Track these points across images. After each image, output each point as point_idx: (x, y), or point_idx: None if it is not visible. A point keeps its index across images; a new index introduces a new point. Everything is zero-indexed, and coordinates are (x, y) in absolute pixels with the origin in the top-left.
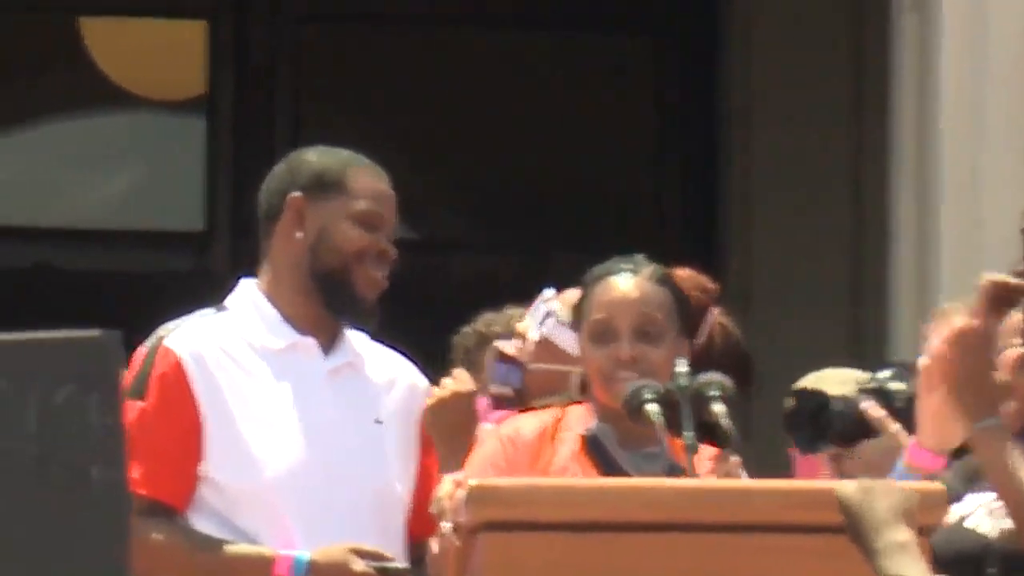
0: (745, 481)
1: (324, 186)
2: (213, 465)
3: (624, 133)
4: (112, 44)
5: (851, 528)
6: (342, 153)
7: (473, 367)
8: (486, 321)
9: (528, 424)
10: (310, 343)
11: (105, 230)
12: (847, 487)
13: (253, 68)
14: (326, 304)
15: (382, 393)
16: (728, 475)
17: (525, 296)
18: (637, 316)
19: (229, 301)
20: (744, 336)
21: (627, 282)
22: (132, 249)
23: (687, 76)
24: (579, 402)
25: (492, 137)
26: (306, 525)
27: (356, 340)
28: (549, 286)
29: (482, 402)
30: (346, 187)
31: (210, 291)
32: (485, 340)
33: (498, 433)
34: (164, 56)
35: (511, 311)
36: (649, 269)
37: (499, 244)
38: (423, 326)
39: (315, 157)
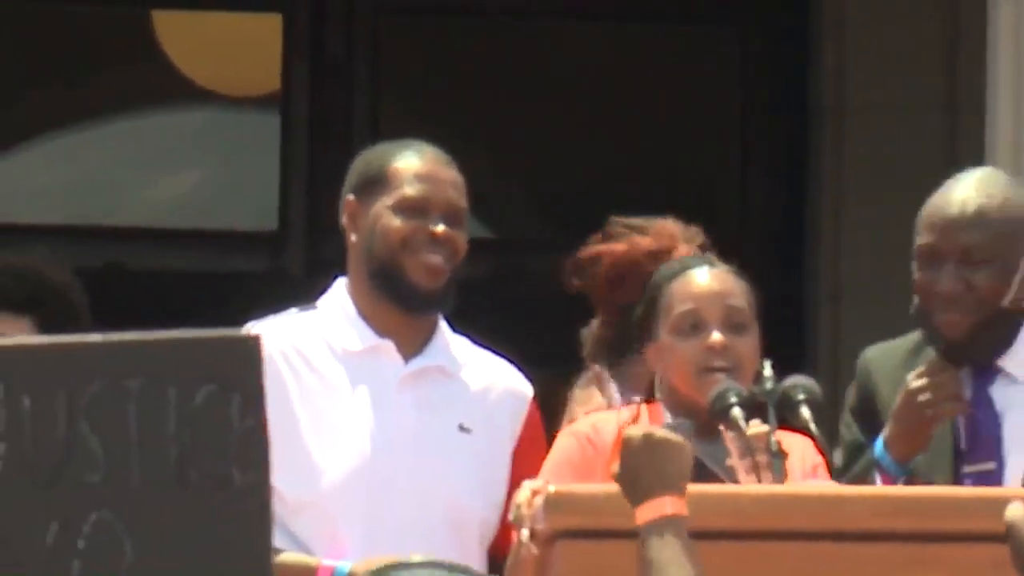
0: (833, 486)
1: (369, 183)
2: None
3: (710, 128)
4: (185, 38)
5: (1017, 554)
6: (395, 144)
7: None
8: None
9: (605, 421)
10: (388, 346)
11: (177, 229)
12: (1018, 510)
13: (329, 62)
14: (389, 299)
15: (473, 399)
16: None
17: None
18: (724, 307)
19: (322, 300)
20: (834, 338)
21: (709, 274)
22: (204, 249)
23: (776, 68)
24: (650, 401)
25: (574, 132)
26: (362, 536)
27: (454, 344)
28: None
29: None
30: (387, 178)
31: (284, 292)
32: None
33: (575, 431)
34: (238, 51)
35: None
36: (723, 265)
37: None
38: (503, 330)
39: (366, 154)
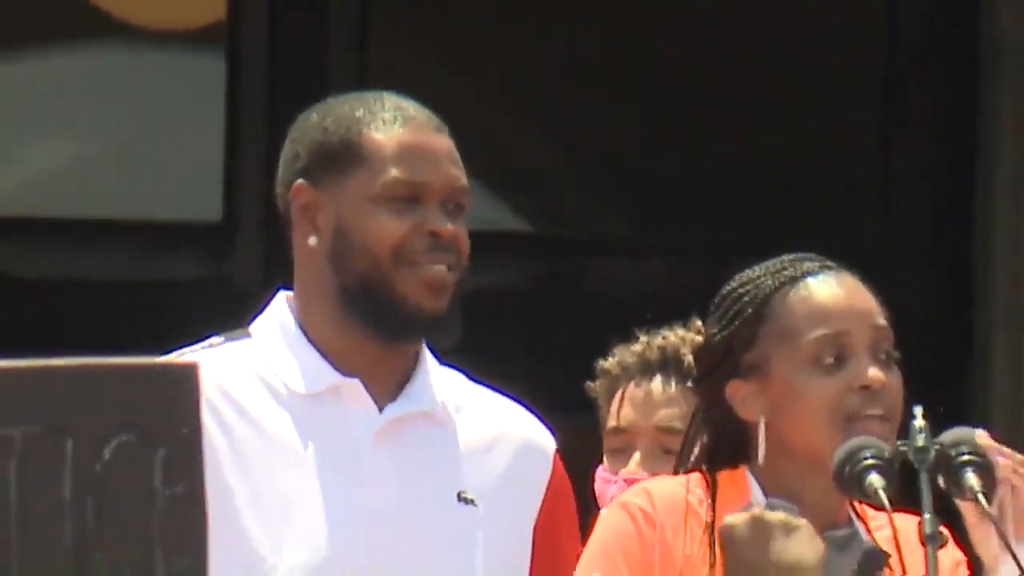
0: None
1: (331, 161)
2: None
3: (841, 90)
4: None
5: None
6: (358, 101)
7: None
8: (613, 354)
9: (668, 489)
10: (355, 386)
11: (87, 220)
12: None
13: None
14: (368, 328)
15: (476, 459)
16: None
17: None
18: (872, 329)
19: (256, 325)
20: (1014, 375)
21: (842, 285)
22: (122, 247)
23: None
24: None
25: (651, 89)
26: None
27: (444, 381)
28: None
29: (599, 472)
30: (360, 154)
31: (229, 307)
32: (612, 382)
33: (625, 504)
34: None
35: (647, 335)
36: (847, 269)
37: (667, 245)
38: (567, 351)
39: (316, 118)
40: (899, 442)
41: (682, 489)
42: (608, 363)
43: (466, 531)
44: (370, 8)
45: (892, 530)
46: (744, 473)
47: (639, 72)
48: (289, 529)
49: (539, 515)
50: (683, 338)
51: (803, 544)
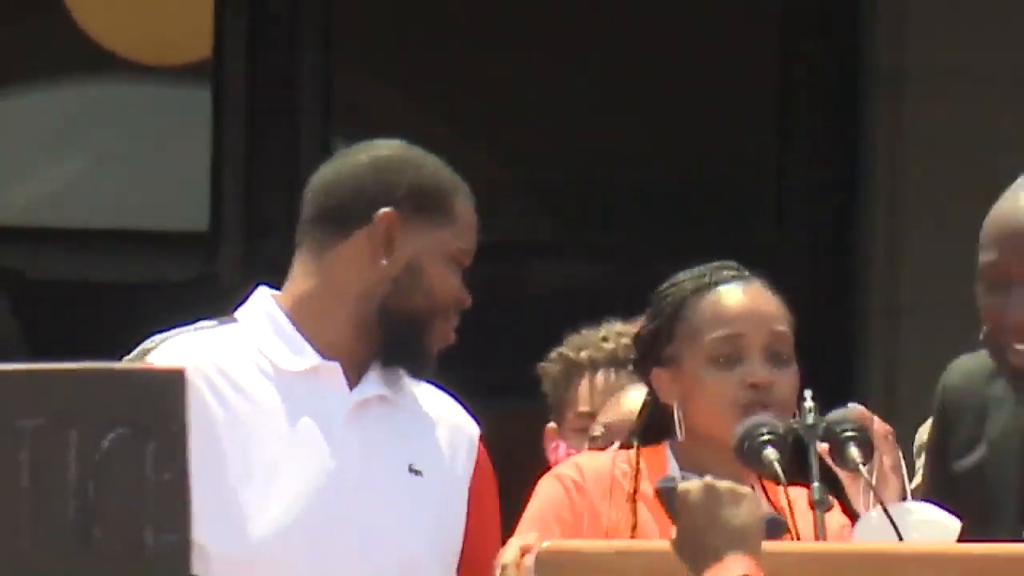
0: (892, 544)
1: (427, 208)
2: (195, 518)
3: (741, 107)
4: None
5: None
6: (442, 166)
7: (559, 403)
8: (575, 344)
9: (596, 464)
10: (334, 368)
11: (85, 230)
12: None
13: (270, 21)
14: (383, 347)
15: (421, 436)
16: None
17: (618, 310)
18: (768, 333)
19: (241, 312)
20: (892, 357)
21: (747, 293)
22: (118, 253)
23: (823, 27)
24: (647, 443)
25: (574, 107)
26: None
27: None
28: (644, 297)
29: (561, 448)
30: (453, 215)
31: (215, 305)
32: (575, 368)
33: (559, 475)
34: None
35: (607, 329)
36: (757, 277)
37: (586, 247)
38: (496, 349)
39: (417, 164)
40: (791, 420)
41: (609, 463)
42: (573, 352)
43: (416, 497)
44: (333, 48)
45: (786, 498)
46: (664, 449)
47: (567, 93)
48: (272, 491)
49: (471, 484)
50: None
51: (749, 509)
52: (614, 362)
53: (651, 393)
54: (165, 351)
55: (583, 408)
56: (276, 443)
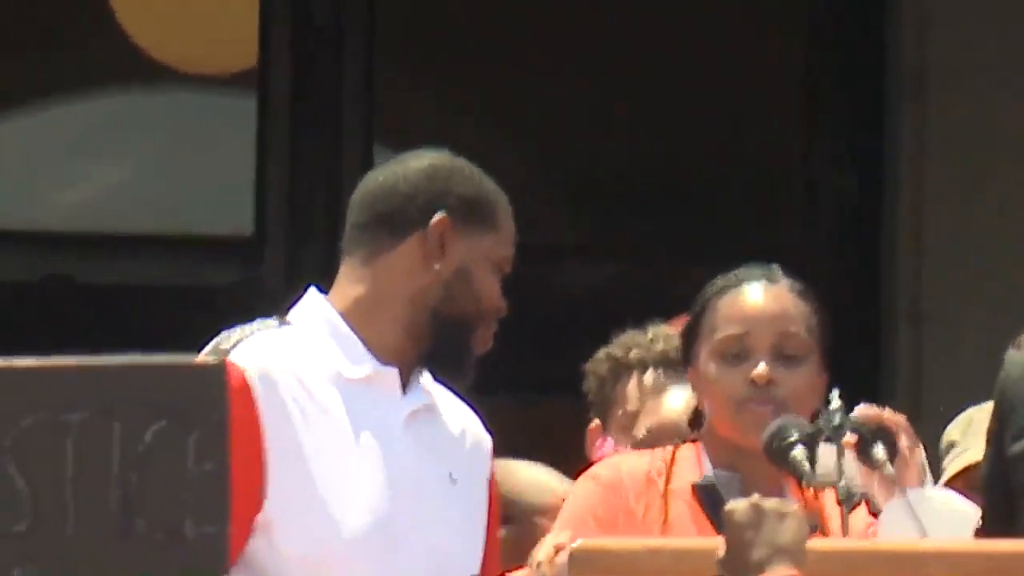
0: (916, 541)
1: (475, 216)
2: (273, 516)
3: (767, 112)
4: (143, 5)
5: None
6: (487, 177)
7: (605, 401)
8: (623, 344)
9: (632, 464)
10: (392, 374)
11: (133, 235)
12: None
13: (315, 32)
14: (431, 351)
15: (456, 445)
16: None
17: (646, 311)
18: (776, 333)
19: (294, 315)
20: (916, 359)
21: (762, 293)
22: (165, 258)
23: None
24: (690, 440)
25: (605, 110)
26: None
27: (425, 380)
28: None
29: (608, 444)
30: (498, 224)
31: (259, 308)
32: (621, 368)
33: (596, 475)
34: (206, 20)
35: (655, 330)
36: (787, 280)
37: (615, 249)
38: (525, 349)
39: (466, 174)
40: (820, 420)
41: (645, 462)
42: (622, 352)
43: (455, 503)
44: (375, 56)
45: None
46: (699, 447)
47: (598, 97)
48: (351, 494)
49: (488, 491)
50: None
51: (793, 527)
52: (663, 363)
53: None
54: (246, 349)
55: (631, 407)
56: (344, 450)
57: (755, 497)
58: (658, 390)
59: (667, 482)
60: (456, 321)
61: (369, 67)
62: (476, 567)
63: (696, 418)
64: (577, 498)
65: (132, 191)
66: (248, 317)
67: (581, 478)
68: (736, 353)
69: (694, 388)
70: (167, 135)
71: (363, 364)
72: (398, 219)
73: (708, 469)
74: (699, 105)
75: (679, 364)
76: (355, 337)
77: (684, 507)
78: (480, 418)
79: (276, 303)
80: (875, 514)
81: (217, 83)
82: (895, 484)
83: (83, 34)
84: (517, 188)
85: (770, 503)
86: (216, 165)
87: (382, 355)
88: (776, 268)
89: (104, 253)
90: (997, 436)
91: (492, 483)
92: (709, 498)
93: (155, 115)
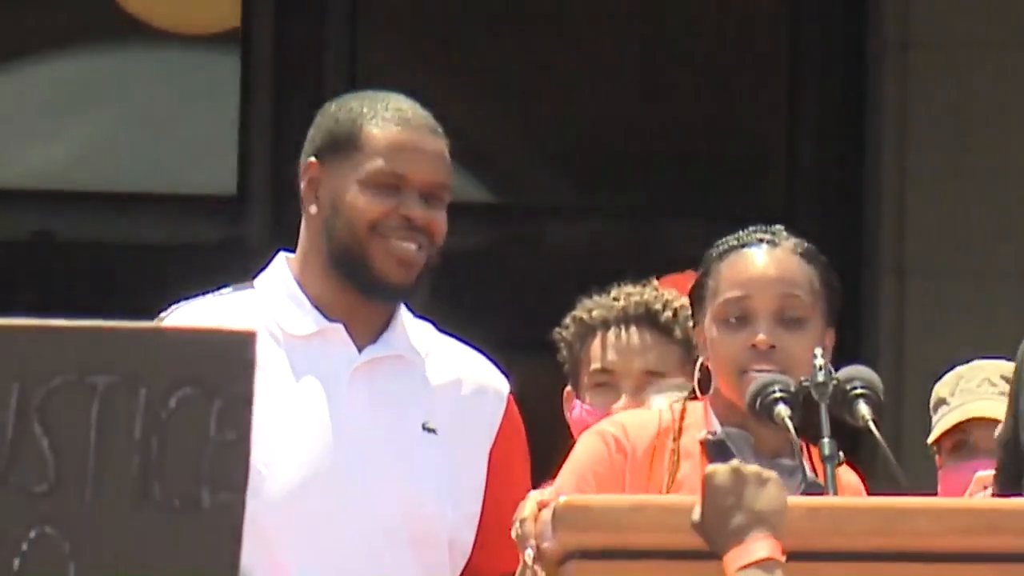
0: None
1: (336, 146)
2: None
3: (752, 74)
4: None
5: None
6: (370, 99)
7: (575, 364)
8: (585, 307)
9: (639, 421)
10: (338, 330)
11: (117, 193)
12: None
13: None
14: (347, 285)
15: (440, 396)
16: None
17: (632, 271)
18: (778, 297)
19: (259, 279)
20: (897, 319)
21: (765, 256)
22: (150, 216)
23: (830, 6)
24: (695, 397)
25: (593, 78)
26: (308, 558)
27: (416, 330)
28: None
29: (577, 407)
30: (358, 144)
31: (243, 266)
32: (586, 329)
33: (600, 431)
34: None
35: (618, 290)
36: (791, 242)
37: (601, 208)
38: (513, 308)
39: (334, 108)
40: (802, 378)
41: (655, 419)
42: (585, 313)
43: (428, 454)
44: (359, 18)
45: (809, 457)
46: (707, 404)
47: (581, 62)
48: (281, 448)
49: (494, 445)
50: (654, 296)
51: (772, 493)
52: (625, 319)
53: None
54: (177, 317)
55: (596, 365)
56: (283, 406)
57: (735, 462)
58: (622, 347)
59: (676, 439)
60: (345, 253)
61: (352, 26)
62: (464, 514)
63: (704, 378)
64: (581, 452)
65: (116, 149)
66: (231, 274)
67: (585, 433)
68: (738, 316)
69: (700, 349)
70: (151, 94)
71: (309, 322)
72: (297, 175)
73: (717, 427)
74: (684, 70)
75: (642, 319)
76: (303, 296)
77: (693, 463)
78: (498, 367)
79: (259, 261)
80: (860, 473)
81: (201, 42)
82: (880, 443)
83: None
84: (502, 151)
85: (750, 468)
86: (199, 124)
87: (331, 311)
88: (780, 229)
89: (87, 211)
90: (1014, 398)
91: (505, 428)
92: (720, 454)
93: (139, 74)
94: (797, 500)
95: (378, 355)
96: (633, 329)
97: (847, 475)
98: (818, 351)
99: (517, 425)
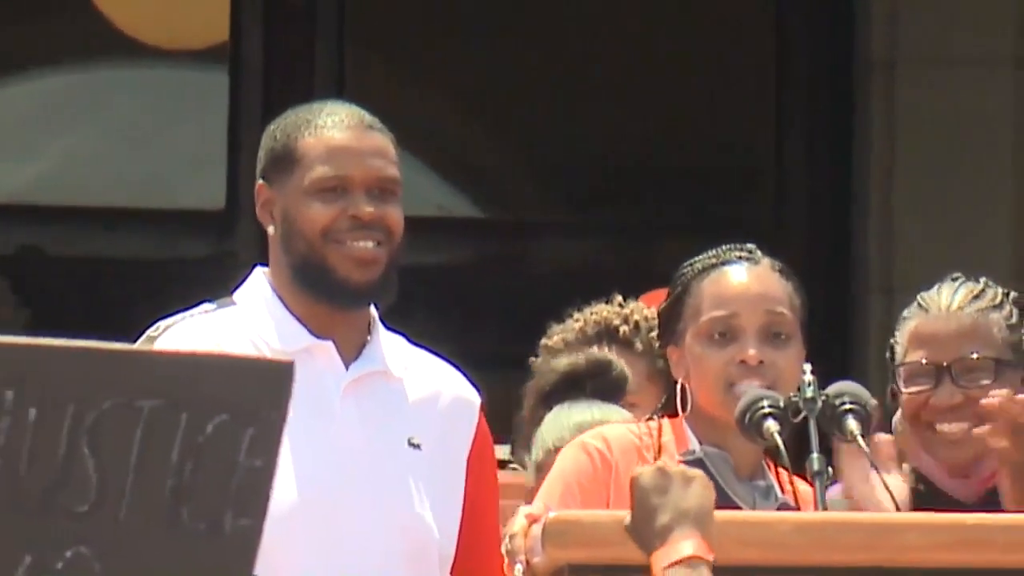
0: (894, 515)
1: (278, 164)
2: None
3: (740, 91)
4: None
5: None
6: (303, 112)
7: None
8: (552, 332)
9: (620, 436)
10: (328, 347)
11: (106, 208)
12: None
13: (286, 7)
14: (313, 298)
15: (421, 410)
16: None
17: (621, 287)
18: (764, 314)
19: (239, 294)
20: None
21: (747, 274)
22: (139, 231)
23: (818, 16)
24: (669, 415)
25: (583, 92)
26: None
27: (391, 345)
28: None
29: None
30: (296, 156)
31: (231, 281)
32: (552, 354)
33: (584, 444)
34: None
35: (580, 312)
36: (768, 259)
37: (590, 224)
38: (500, 326)
39: (272, 128)
40: (791, 393)
41: (633, 435)
42: (551, 340)
43: (415, 469)
44: (346, 31)
45: (788, 476)
46: (682, 423)
47: (572, 77)
48: (280, 472)
49: (470, 455)
50: (614, 312)
51: (698, 492)
52: (585, 340)
53: (666, 366)
54: (169, 338)
55: None
56: None
57: (662, 461)
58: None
59: (656, 457)
60: (306, 265)
61: (340, 42)
62: (449, 531)
63: (680, 396)
64: (565, 465)
65: (105, 164)
66: (221, 289)
67: (568, 445)
68: (723, 333)
69: (676, 367)
70: (140, 109)
71: (296, 339)
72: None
73: (695, 445)
74: (673, 87)
75: (603, 337)
76: (287, 314)
77: None
78: (467, 378)
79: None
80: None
81: (189, 57)
82: (868, 458)
83: (56, 8)
84: (490, 166)
85: (676, 468)
86: (189, 139)
87: (320, 329)
88: (755, 248)
89: (75, 226)
90: None
91: (478, 439)
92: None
93: (128, 89)
94: (785, 515)
95: (365, 371)
96: (594, 348)
97: (802, 486)
98: (807, 367)
99: (487, 435)
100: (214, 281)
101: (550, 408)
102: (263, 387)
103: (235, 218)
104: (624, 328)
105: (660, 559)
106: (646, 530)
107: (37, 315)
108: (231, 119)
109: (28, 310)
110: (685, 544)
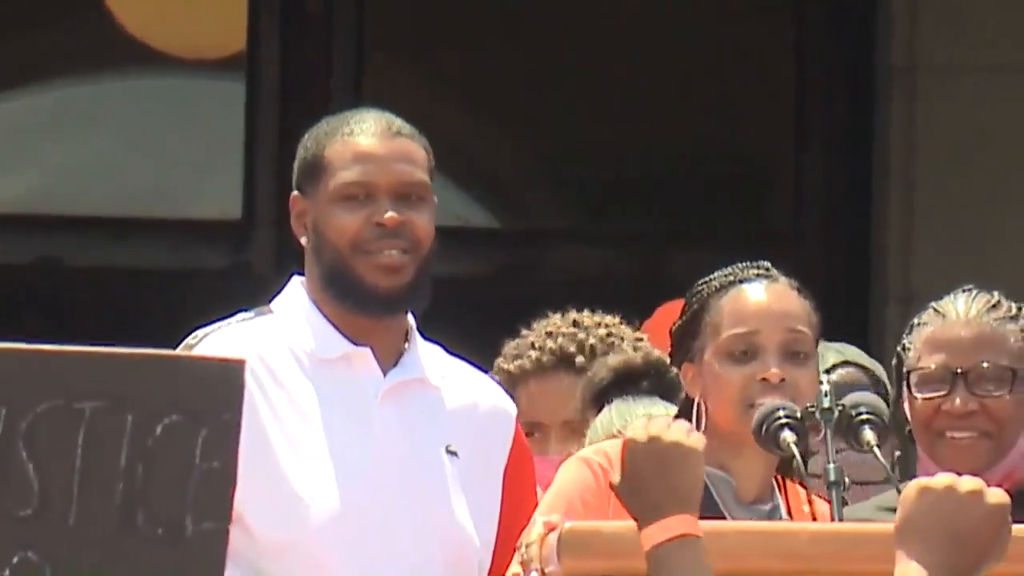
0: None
1: (309, 174)
2: (244, 506)
3: (758, 99)
4: None
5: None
6: (332, 121)
7: None
8: (509, 354)
9: (620, 451)
10: (366, 354)
11: (123, 218)
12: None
13: (303, 17)
14: (345, 306)
15: (458, 418)
16: None
17: (635, 296)
18: (784, 331)
19: (276, 303)
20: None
21: (768, 291)
22: (156, 241)
23: (837, 23)
24: None
25: (600, 102)
26: None
27: (428, 354)
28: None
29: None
30: (323, 165)
31: (248, 292)
32: (512, 381)
33: (586, 459)
34: (195, 5)
35: (537, 334)
36: (784, 278)
37: (606, 233)
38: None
39: (304, 138)
40: (808, 404)
41: None
42: (507, 363)
43: (452, 477)
44: (365, 40)
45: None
46: None
47: (589, 86)
48: (321, 474)
49: (507, 465)
50: (569, 336)
51: (691, 469)
52: (542, 369)
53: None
54: (209, 346)
55: (523, 419)
56: (316, 431)
57: (655, 425)
58: (544, 394)
59: None
60: (336, 274)
61: (358, 52)
62: (487, 539)
63: (686, 413)
64: (567, 479)
65: (121, 174)
66: (237, 300)
67: (570, 459)
68: (744, 351)
69: (691, 385)
70: (157, 118)
71: (334, 346)
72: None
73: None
74: (691, 95)
75: (560, 367)
76: (325, 321)
77: None
78: (505, 390)
79: (265, 286)
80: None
81: (206, 67)
82: (885, 469)
83: (73, 17)
84: (506, 175)
85: (670, 439)
86: (205, 149)
87: (358, 336)
88: (771, 266)
89: (92, 236)
90: None
91: (515, 451)
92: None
93: (145, 99)
94: (800, 525)
95: (402, 379)
96: (551, 379)
97: (821, 505)
98: (824, 377)
99: (525, 446)
100: (229, 291)
101: (601, 407)
102: (214, 387)
103: (251, 228)
104: (580, 358)
105: (652, 536)
106: (635, 500)
107: (52, 325)
108: (248, 128)
109: (42, 320)
110: (678, 523)
